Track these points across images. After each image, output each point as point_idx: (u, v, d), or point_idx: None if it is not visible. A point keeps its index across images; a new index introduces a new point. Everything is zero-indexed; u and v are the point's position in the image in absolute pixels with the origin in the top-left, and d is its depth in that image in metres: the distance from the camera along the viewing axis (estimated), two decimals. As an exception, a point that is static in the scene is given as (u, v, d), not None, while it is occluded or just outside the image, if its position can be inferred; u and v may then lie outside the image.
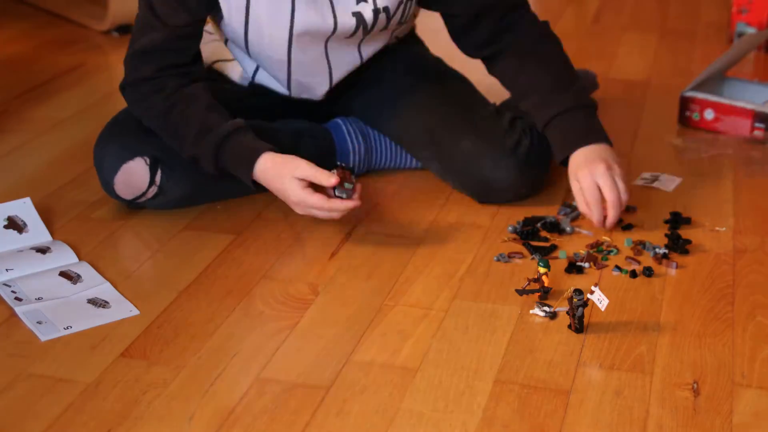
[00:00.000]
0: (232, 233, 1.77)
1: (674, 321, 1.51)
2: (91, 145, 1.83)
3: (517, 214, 1.82)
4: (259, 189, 1.72)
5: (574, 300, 1.46)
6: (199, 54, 1.78)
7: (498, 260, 1.68)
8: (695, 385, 1.37)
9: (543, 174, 1.87)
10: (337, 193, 1.65)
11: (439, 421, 1.30)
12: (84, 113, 2.29)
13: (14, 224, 1.71)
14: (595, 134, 1.76)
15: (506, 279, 1.63)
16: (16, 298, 1.54)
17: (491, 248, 1.72)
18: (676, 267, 1.65)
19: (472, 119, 1.84)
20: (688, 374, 1.39)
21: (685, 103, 2.21)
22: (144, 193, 1.77)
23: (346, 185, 1.65)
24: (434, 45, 2.07)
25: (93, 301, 1.53)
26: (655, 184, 1.94)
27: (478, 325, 1.50)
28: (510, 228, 1.76)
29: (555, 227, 1.76)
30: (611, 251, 1.69)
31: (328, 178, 1.62)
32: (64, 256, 1.66)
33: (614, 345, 1.45)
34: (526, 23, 1.83)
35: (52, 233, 1.76)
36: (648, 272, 1.62)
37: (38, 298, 1.54)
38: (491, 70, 1.87)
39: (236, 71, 1.89)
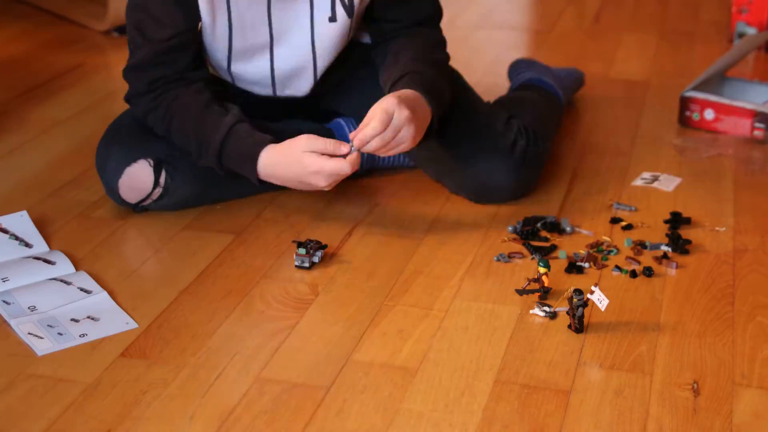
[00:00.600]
0: (232, 233, 1.77)
1: (674, 321, 1.51)
2: (92, 145, 1.83)
3: (517, 214, 1.82)
4: (266, 187, 1.72)
5: (574, 300, 1.46)
6: (195, 60, 1.77)
7: (498, 260, 1.68)
8: (695, 385, 1.37)
9: (539, 174, 1.88)
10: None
11: (439, 421, 1.30)
12: (84, 113, 2.29)
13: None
14: (427, 94, 1.69)
15: (506, 279, 1.63)
16: (5, 302, 1.53)
17: (491, 248, 1.72)
18: (676, 267, 1.65)
19: (468, 120, 1.84)
20: (688, 374, 1.39)
21: (685, 103, 2.21)
22: (149, 195, 1.77)
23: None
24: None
25: (91, 317, 1.52)
26: (654, 184, 1.94)
27: (478, 325, 1.50)
28: (510, 228, 1.76)
29: (555, 227, 1.76)
30: (611, 251, 1.69)
31: (338, 147, 1.62)
32: (63, 266, 1.64)
33: (614, 345, 1.45)
34: (429, 32, 1.83)
35: (52, 233, 1.76)
36: (648, 272, 1.62)
37: (31, 307, 1.53)
38: (375, 56, 1.85)
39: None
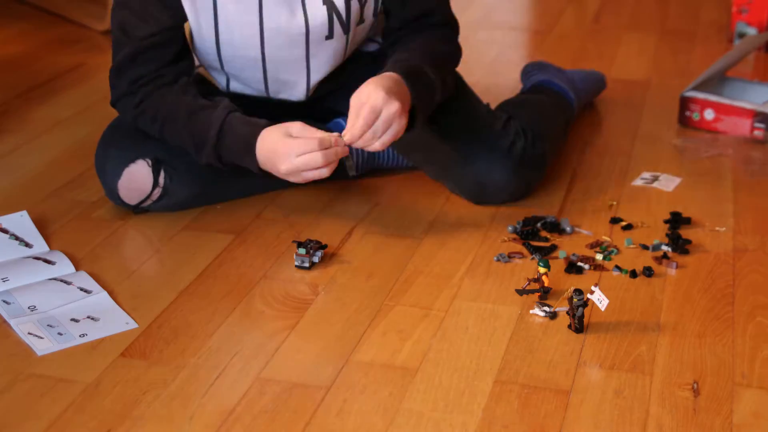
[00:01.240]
0: (232, 233, 1.77)
1: (674, 321, 1.51)
2: (92, 145, 1.83)
3: (517, 214, 1.82)
4: (270, 180, 1.71)
5: (574, 300, 1.46)
6: (177, 59, 1.75)
7: (498, 260, 1.68)
8: (695, 385, 1.37)
9: (538, 175, 1.87)
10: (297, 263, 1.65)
11: (439, 421, 1.30)
12: (84, 113, 2.29)
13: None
14: (408, 78, 1.66)
15: (506, 279, 1.63)
16: (5, 301, 1.52)
17: (491, 248, 1.72)
18: (676, 267, 1.65)
19: (466, 121, 1.83)
20: (688, 374, 1.39)
21: (685, 103, 2.21)
22: (149, 196, 1.77)
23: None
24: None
25: (91, 317, 1.52)
26: (655, 184, 1.94)
27: (478, 325, 1.50)
28: (510, 228, 1.76)
29: (555, 227, 1.76)
30: (612, 251, 1.69)
31: (327, 138, 1.61)
32: (62, 266, 1.63)
33: (614, 345, 1.45)
34: (439, 30, 1.82)
35: (52, 233, 1.76)
36: (648, 272, 1.62)
37: (31, 307, 1.52)
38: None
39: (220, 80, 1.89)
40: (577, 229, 1.77)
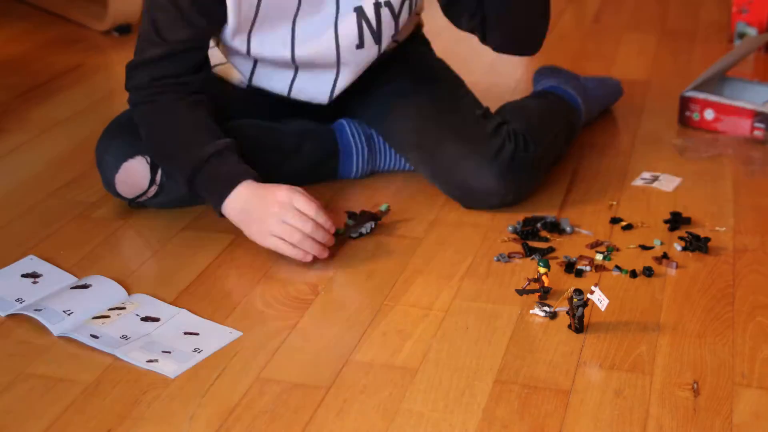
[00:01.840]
0: (232, 233, 1.76)
1: (674, 321, 1.51)
2: (91, 145, 1.83)
3: (517, 214, 1.82)
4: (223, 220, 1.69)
5: (574, 300, 1.46)
6: (201, 65, 1.75)
7: (498, 260, 1.68)
8: (695, 385, 1.37)
9: (529, 180, 1.83)
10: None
11: (439, 421, 1.30)
12: (84, 113, 2.29)
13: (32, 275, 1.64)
14: None
15: (506, 279, 1.63)
16: (92, 335, 1.45)
17: (491, 248, 1.72)
18: (676, 267, 1.65)
19: (456, 124, 1.82)
20: (688, 374, 1.39)
21: (685, 103, 2.21)
22: (145, 192, 1.77)
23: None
24: (437, 44, 2.06)
25: (188, 333, 1.48)
26: (655, 184, 1.94)
27: (478, 325, 1.50)
28: (510, 228, 1.76)
29: (555, 227, 1.76)
30: (611, 249, 1.69)
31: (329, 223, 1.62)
32: (111, 291, 1.57)
33: (614, 345, 1.45)
34: None
35: (52, 233, 1.76)
36: (648, 272, 1.62)
37: (124, 336, 1.46)
38: (484, 38, 1.83)
39: (235, 75, 1.88)
40: (577, 229, 1.77)
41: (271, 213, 1.60)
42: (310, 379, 1.38)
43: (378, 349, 1.45)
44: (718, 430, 1.29)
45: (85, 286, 1.57)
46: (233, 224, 1.78)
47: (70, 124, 2.25)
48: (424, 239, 1.75)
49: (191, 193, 1.69)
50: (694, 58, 2.66)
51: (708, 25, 2.93)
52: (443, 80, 1.93)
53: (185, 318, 1.51)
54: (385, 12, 1.73)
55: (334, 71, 1.79)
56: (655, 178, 1.96)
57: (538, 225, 1.76)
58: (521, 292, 1.57)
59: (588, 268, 1.65)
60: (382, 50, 1.79)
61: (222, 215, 1.66)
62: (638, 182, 1.95)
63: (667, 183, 1.95)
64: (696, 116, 2.20)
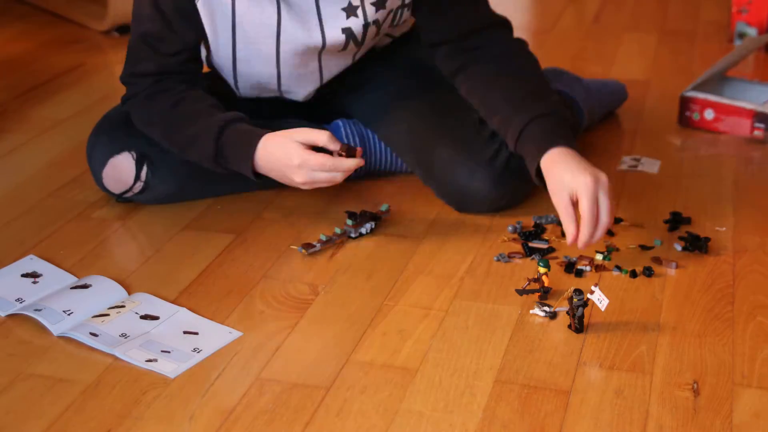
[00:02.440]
0: (232, 233, 1.77)
1: (674, 321, 1.51)
2: (91, 145, 1.83)
3: (518, 214, 1.82)
4: (260, 182, 1.71)
5: (574, 300, 1.46)
6: (199, 73, 1.79)
7: (498, 260, 1.68)
8: (695, 385, 1.37)
9: (523, 186, 1.81)
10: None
11: (439, 421, 1.30)
12: (84, 113, 2.29)
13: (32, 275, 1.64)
14: (562, 139, 1.64)
15: (506, 279, 1.63)
16: (92, 333, 1.45)
17: (491, 248, 1.72)
18: (676, 267, 1.65)
19: (452, 127, 1.81)
20: (688, 374, 1.39)
21: (685, 103, 2.21)
22: (130, 188, 1.78)
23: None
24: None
25: (188, 332, 1.48)
26: (639, 168, 1.96)
27: (478, 325, 1.50)
28: (510, 228, 1.76)
29: (560, 224, 1.76)
30: (611, 249, 1.69)
31: (331, 140, 1.63)
32: (111, 291, 1.57)
33: (614, 345, 1.45)
34: (503, 40, 1.80)
35: (52, 233, 1.76)
36: (648, 272, 1.62)
37: (123, 335, 1.46)
38: (462, 89, 1.80)
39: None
40: (577, 229, 1.77)
41: (297, 178, 1.64)
42: (310, 379, 1.38)
43: (378, 349, 1.45)
44: (718, 430, 1.29)
45: (85, 286, 1.57)
46: (233, 224, 1.78)
47: (70, 124, 2.25)
48: (424, 239, 1.75)
49: (219, 166, 1.71)
50: (694, 58, 2.66)
51: (708, 25, 2.93)
52: (442, 83, 1.91)
53: (185, 316, 1.51)
54: (371, 29, 1.74)
55: (317, 76, 1.81)
56: (638, 162, 1.98)
57: (542, 223, 1.76)
58: (521, 292, 1.57)
59: (588, 268, 1.65)
60: (365, 48, 1.80)
61: (260, 176, 1.69)
62: (621, 167, 1.98)
63: (650, 165, 1.98)
64: (696, 116, 2.20)
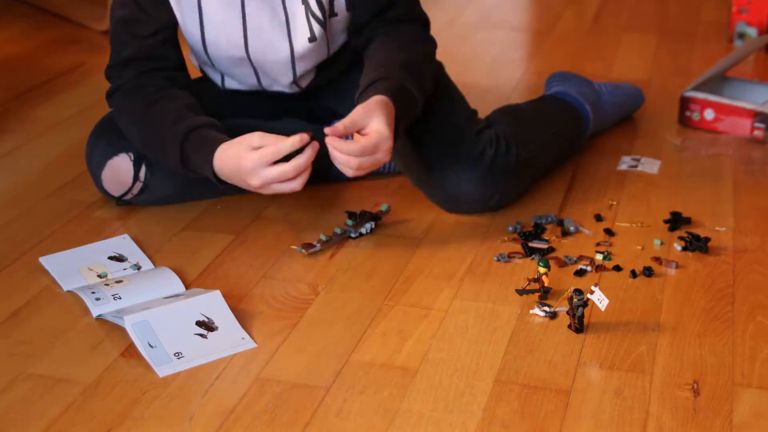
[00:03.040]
0: (232, 233, 1.77)
1: (674, 321, 1.51)
2: (91, 145, 1.83)
3: (518, 214, 1.82)
4: (224, 188, 1.69)
5: (574, 300, 1.46)
6: (183, 62, 1.79)
7: (498, 260, 1.68)
8: (695, 385, 1.37)
9: (511, 185, 1.81)
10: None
11: (439, 421, 1.30)
12: (84, 113, 2.29)
13: (119, 259, 1.67)
14: (396, 100, 1.64)
15: (506, 279, 1.63)
16: (149, 345, 1.44)
17: (491, 248, 1.72)
18: (676, 267, 1.65)
19: (438, 129, 1.80)
20: (688, 374, 1.39)
21: (685, 103, 2.21)
22: (129, 189, 1.79)
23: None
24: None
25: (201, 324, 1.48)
26: (639, 168, 1.95)
27: (478, 325, 1.51)
28: (510, 228, 1.76)
29: (560, 224, 1.76)
30: (609, 254, 1.69)
31: (279, 140, 1.58)
32: (171, 283, 1.59)
33: (614, 345, 1.45)
34: (413, 31, 1.81)
35: (52, 233, 1.76)
36: (648, 272, 1.62)
37: (177, 354, 1.45)
38: (365, 59, 1.80)
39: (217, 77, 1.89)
40: (580, 228, 1.77)
41: (253, 182, 1.59)
42: (310, 379, 1.38)
43: (378, 349, 1.45)
44: (718, 430, 1.29)
45: (144, 273, 1.61)
46: (233, 224, 1.78)
47: (70, 124, 2.25)
48: (424, 239, 1.75)
49: (184, 168, 1.68)
50: (694, 58, 2.66)
51: (708, 25, 2.93)
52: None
53: (211, 302, 1.51)
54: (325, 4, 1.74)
55: (290, 61, 1.79)
56: (638, 162, 1.98)
57: (542, 223, 1.76)
58: (521, 292, 1.57)
59: (588, 268, 1.65)
60: (331, 36, 1.79)
61: (221, 181, 1.66)
62: (621, 167, 1.97)
63: (650, 165, 1.98)
64: (696, 116, 2.20)
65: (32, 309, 1.55)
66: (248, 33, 1.74)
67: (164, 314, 1.47)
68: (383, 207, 1.81)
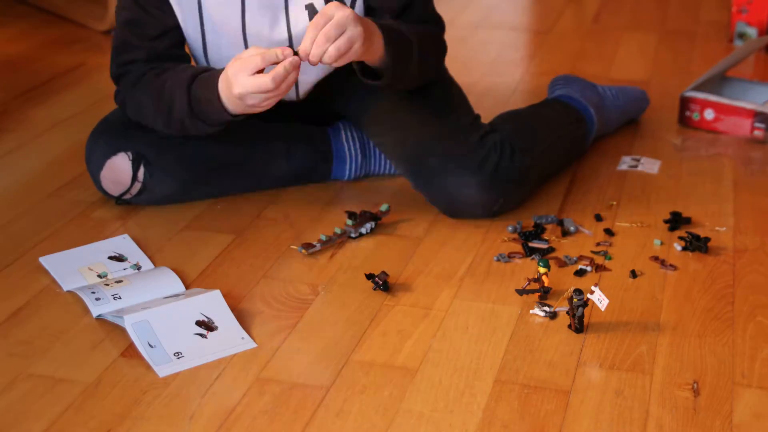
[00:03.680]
0: (232, 233, 1.77)
1: (674, 321, 1.51)
2: (91, 145, 1.83)
3: (518, 214, 1.82)
4: (238, 118, 1.67)
5: (574, 300, 1.46)
6: (189, 61, 1.80)
7: (498, 260, 1.68)
8: (695, 385, 1.37)
9: (515, 191, 1.80)
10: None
11: (439, 421, 1.30)
12: (84, 113, 2.29)
13: (118, 258, 1.67)
14: (381, 28, 1.63)
15: (506, 279, 1.63)
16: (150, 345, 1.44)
17: (491, 248, 1.72)
18: (676, 267, 1.65)
19: (441, 133, 1.78)
20: (688, 374, 1.39)
21: (685, 103, 2.21)
22: (128, 189, 1.79)
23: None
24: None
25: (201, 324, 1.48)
26: (639, 168, 1.95)
27: (478, 325, 1.50)
28: (510, 228, 1.76)
29: (560, 224, 1.76)
30: (607, 247, 1.69)
31: (272, 53, 1.55)
32: (170, 283, 1.59)
33: (614, 345, 1.45)
34: (424, 26, 1.79)
35: (52, 233, 1.76)
36: (648, 272, 1.62)
37: (177, 354, 1.45)
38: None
39: None
40: (579, 228, 1.77)
41: (235, 90, 1.57)
42: (310, 379, 1.38)
43: (378, 349, 1.45)
44: (718, 430, 1.29)
45: (144, 273, 1.60)
46: (233, 224, 1.78)
47: (70, 124, 2.25)
48: (424, 239, 1.75)
49: (195, 119, 1.67)
50: (694, 58, 2.66)
51: (708, 25, 2.93)
52: (434, 86, 1.88)
53: (211, 302, 1.51)
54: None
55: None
56: (638, 162, 1.98)
57: (542, 223, 1.76)
58: (521, 292, 1.57)
59: (588, 268, 1.65)
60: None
61: (234, 115, 1.64)
62: (621, 167, 1.97)
63: (650, 165, 1.98)
64: (696, 116, 2.20)
65: (32, 309, 1.55)
66: (248, 38, 1.73)
67: (164, 314, 1.47)
68: (383, 207, 1.81)
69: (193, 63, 1.83)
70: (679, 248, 1.70)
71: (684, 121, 2.22)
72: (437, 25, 1.83)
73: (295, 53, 1.55)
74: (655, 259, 1.67)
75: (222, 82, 1.61)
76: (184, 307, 1.49)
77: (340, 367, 1.41)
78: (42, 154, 2.11)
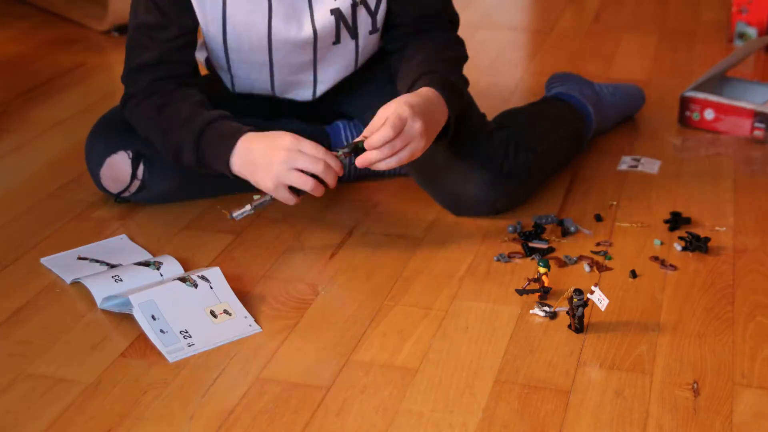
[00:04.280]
0: (232, 233, 1.77)
1: (674, 321, 1.51)
2: (91, 145, 1.83)
3: (518, 214, 1.82)
4: (236, 180, 1.69)
5: (574, 300, 1.46)
6: (197, 66, 1.80)
7: (498, 260, 1.68)
8: (695, 385, 1.37)
9: (520, 189, 1.81)
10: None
11: (439, 421, 1.30)
12: (84, 113, 2.29)
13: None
14: (445, 92, 1.66)
15: (506, 279, 1.63)
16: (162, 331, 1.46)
17: (491, 248, 1.72)
18: (676, 267, 1.65)
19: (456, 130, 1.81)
20: (688, 374, 1.39)
21: (685, 103, 2.21)
22: (127, 187, 1.79)
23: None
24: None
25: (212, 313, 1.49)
26: (639, 168, 1.95)
27: (478, 325, 1.51)
28: (510, 228, 1.76)
29: (558, 226, 1.76)
30: (607, 247, 1.69)
31: (323, 155, 1.60)
32: (172, 269, 1.61)
33: (614, 345, 1.45)
34: (443, 34, 1.81)
35: (52, 233, 1.76)
36: (648, 272, 1.62)
37: (183, 332, 1.47)
38: (392, 63, 1.83)
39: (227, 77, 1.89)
40: (579, 228, 1.77)
41: (279, 161, 1.59)
42: (310, 379, 1.38)
43: (378, 349, 1.45)
44: (718, 430, 1.29)
45: (147, 264, 1.61)
46: (233, 224, 1.78)
47: (70, 124, 2.25)
48: (424, 239, 1.75)
49: (202, 168, 1.69)
50: (694, 58, 2.66)
51: (708, 25, 2.93)
52: None
53: (217, 285, 1.52)
54: (361, 11, 1.73)
55: (311, 70, 1.80)
56: (638, 162, 1.98)
57: (542, 223, 1.76)
58: (521, 292, 1.57)
59: (588, 268, 1.65)
60: (362, 46, 1.79)
61: (235, 176, 1.65)
62: (621, 167, 1.97)
63: (650, 165, 1.98)
64: (696, 116, 2.20)
65: (32, 309, 1.55)
66: (273, 41, 1.73)
67: (170, 292, 1.48)
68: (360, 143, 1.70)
69: (201, 69, 1.83)
70: (679, 248, 1.70)
71: (684, 121, 2.22)
72: (456, 25, 1.84)
73: (358, 145, 1.60)
74: (655, 259, 1.67)
75: (254, 142, 1.62)
76: (189, 290, 1.50)
77: (340, 367, 1.41)
78: (42, 154, 2.11)
